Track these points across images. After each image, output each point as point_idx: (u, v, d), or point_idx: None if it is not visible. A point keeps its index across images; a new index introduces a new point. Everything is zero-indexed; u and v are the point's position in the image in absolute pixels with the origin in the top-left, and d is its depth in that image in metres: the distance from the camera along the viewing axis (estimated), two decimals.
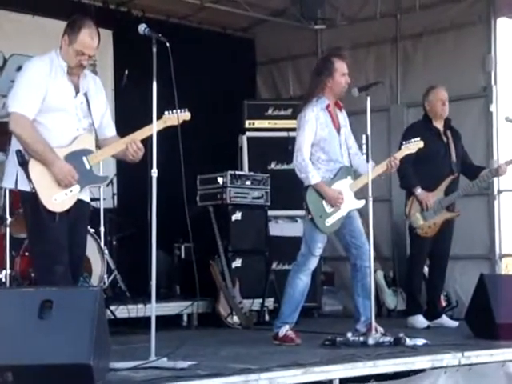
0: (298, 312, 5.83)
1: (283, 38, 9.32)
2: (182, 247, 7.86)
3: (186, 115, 4.78)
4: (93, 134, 4.76)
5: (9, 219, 6.45)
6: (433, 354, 5.00)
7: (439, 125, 7.05)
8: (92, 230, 6.93)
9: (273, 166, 8.36)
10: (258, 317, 7.51)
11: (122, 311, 6.72)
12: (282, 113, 8.46)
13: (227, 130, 8.62)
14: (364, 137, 5.62)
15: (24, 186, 4.55)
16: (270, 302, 7.69)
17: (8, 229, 6.43)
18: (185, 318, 7.32)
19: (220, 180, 7.82)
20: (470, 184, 7.01)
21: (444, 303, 7.71)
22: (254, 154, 8.39)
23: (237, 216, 7.79)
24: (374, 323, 5.52)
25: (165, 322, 6.28)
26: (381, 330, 5.57)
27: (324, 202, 5.73)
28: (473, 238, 7.96)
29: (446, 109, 7.02)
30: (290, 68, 9.49)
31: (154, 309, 4.60)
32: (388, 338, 5.43)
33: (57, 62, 4.65)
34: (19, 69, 4.85)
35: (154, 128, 4.62)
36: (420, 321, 6.88)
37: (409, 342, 5.40)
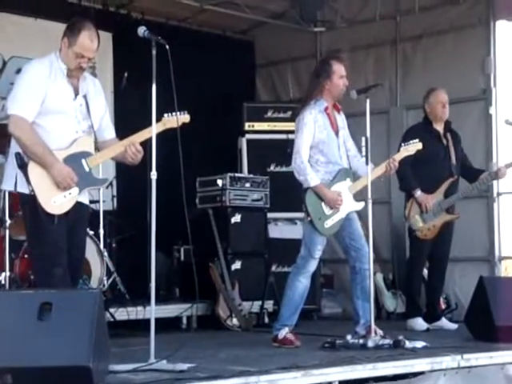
0: (298, 314, 5.84)
1: (283, 40, 9.32)
2: (182, 249, 7.86)
3: (185, 117, 4.78)
4: (92, 136, 4.76)
5: (8, 221, 6.44)
6: (432, 356, 5.00)
7: (439, 127, 7.05)
8: (91, 233, 6.93)
9: (272, 168, 8.36)
10: (257, 319, 7.51)
11: (121, 313, 6.72)
12: (282, 115, 8.46)
13: (227, 133, 8.62)
14: (363, 139, 5.62)
15: (23, 189, 4.55)
16: (269, 305, 7.69)
17: (7, 231, 6.43)
18: (184, 320, 7.32)
19: (219, 182, 7.82)
20: (470, 186, 7.01)
21: (443, 306, 7.70)
22: (254, 156, 8.39)
23: (236, 218, 7.79)
24: (373, 326, 5.52)
25: (164, 325, 6.28)
26: (380, 332, 5.56)
27: (323, 204, 5.73)
28: (472, 240, 7.96)
29: (446, 111, 7.03)
30: (289, 70, 9.49)
31: (153, 311, 4.60)
32: (387, 341, 5.43)
33: (56, 64, 4.65)
34: (19, 71, 4.85)
35: (153, 130, 4.62)
36: (419, 323, 6.88)
37: (408, 344, 5.40)
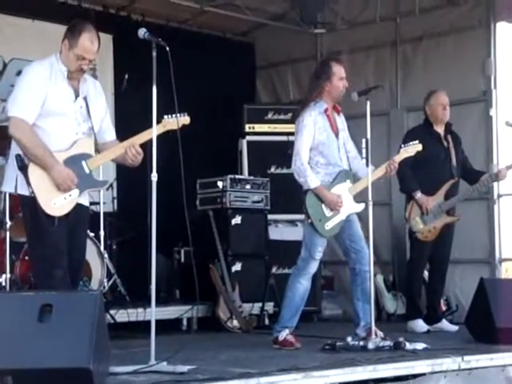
0: (298, 316, 5.83)
1: (283, 42, 9.33)
2: (182, 251, 7.85)
3: (185, 119, 4.78)
4: (92, 138, 4.76)
5: (9, 223, 6.45)
6: (433, 358, 5.00)
7: (440, 129, 7.06)
8: (92, 234, 6.93)
9: (272, 169, 8.36)
10: (257, 321, 7.50)
11: (121, 315, 6.72)
12: (282, 117, 8.46)
13: (227, 134, 8.62)
14: (364, 141, 5.62)
15: (23, 191, 4.55)
16: (269, 306, 7.69)
17: (8, 233, 6.43)
18: (184, 322, 7.32)
19: (220, 184, 7.83)
20: (470, 188, 7.01)
21: (444, 307, 7.70)
22: (254, 158, 8.39)
23: (236, 220, 7.79)
24: (373, 327, 5.52)
25: (164, 326, 6.27)
26: (380, 334, 5.57)
27: (323, 205, 5.73)
28: (473, 242, 7.96)
29: (446, 113, 7.03)
30: (289, 72, 9.49)
31: (153, 313, 4.60)
32: (388, 343, 5.43)
33: (57, 66, 4.66)
34: (19, 73, 4.86)
35: (153, 132, 4.62)
36: (420, 325, 6.88)
37: (409, 346, 5.40)
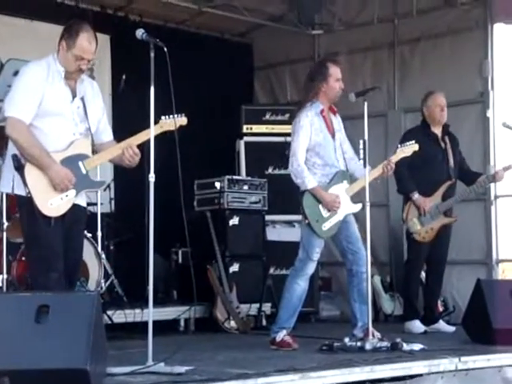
0: (296, 317, 5.83)
1: (281, 43, 9.33)
2: (180, 252, 7.85)
3: (182, 120, 4.78)
4: (89, 138, 4.76)
5: (5, 224, 6.44)
6: (430, 359, 5.01)
7: (437, 130, 7.06)
8: (89, 235, 6.92)
9: (270, 170, 8.36)
10: (255, 322, 7.50)
11: (119, 316, 6.72)
12: (280, 118, 8.46)
13: (225, 135, 8.62)
14: (361, 142, 5.63)
15: (20, 191, 4.55)
16: (267, 307, 7.69)
17: (5, 233, 6.43)
18: (182, 322, 7.32)
19: (217, 185, 7.83)
20: (467, 189, 7.02)
21: (441, 308, 7.71)
22: (252, 158, 8.40)
23: (234, 221, 7.79)
24: (371, 328, 5.53)
25: (162, 327, 6.28)
26: (378, 335, 5.57)
27: (321, 206, 5.73)
28: (470, 243, 7.96)
29: (444, 114, 7.03)
30: (287, 73, 9.49)
31: (151, 314, 4.60)
32: (385, 343, 5.43)
33: (54, 66, 4.65)
34: (16, 73, 4.86)
35: (151, 133, 4.62)
36: (417, 326, 6.88)
37: (406, 347, 5.41)
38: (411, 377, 4.82)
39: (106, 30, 8.08)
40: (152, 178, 4.57)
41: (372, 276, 7.36)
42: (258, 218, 7.99)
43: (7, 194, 5.89)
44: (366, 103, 5.66)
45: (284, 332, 5.72)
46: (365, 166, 5.67)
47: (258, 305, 7.58)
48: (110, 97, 8.15)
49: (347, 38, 8.99)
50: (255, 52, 9.80)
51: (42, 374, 3.79)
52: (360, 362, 4.75)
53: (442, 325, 7.07)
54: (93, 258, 6.89)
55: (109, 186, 7.71)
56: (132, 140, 4.72)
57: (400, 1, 8.68)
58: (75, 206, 4.66)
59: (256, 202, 7.99)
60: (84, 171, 4.66)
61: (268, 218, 8.11)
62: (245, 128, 8.47)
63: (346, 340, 5.46)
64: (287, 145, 5.99)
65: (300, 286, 5.78)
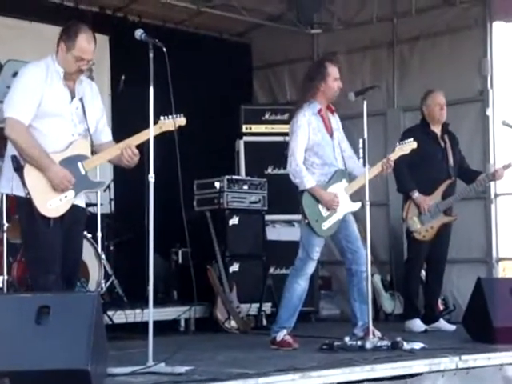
0: (296, 317, 5.83)
1: (280, 42, 9.33)
2: (180, 252, 7.85)
3: (181, 120, 4.78)
4: (88, 139, 4.76)
5: (6, 225, 6.44)
6: (430, 357, 5.00)
7: (437, 129, 7.06)
8: (89, 236, 6.93)
9: (270, 170, 8.36)
10: (255, 321, 7.50)
11: (119, 316, 6.72)
12: (279, 117, 8.46)
13: (224, 135, 8.62)
14: (361, 141, 5.63)
15: (19, 192, 4.55)
16: (267, 307, 7.69)
17: (5, 234, 6.43)
18: (182, 322, 7.32)
19: (217, 185, 7.83)
20: (467, 188, 7.02)
21: (441, 307, 7.71)
22: (251, 158, 8.39)
23: (234, 221, 7.79)
24: (371, 327, 5.53)
25: (162, 327, 6.28)
26: (378, 334, 5.57)
27: (320, 205, 5.73)
28: (470, 241, 7.97)
29: (443, 113, 7.03)
30: (286, 72, 9.49)
31: (151, 314, 4.60)
32: (385, 342, 5.43)
33: (53, 67, 4.65)
34: (15, 74, 4.85)
35: (150, 133, 4.62)
36: (417, 325, 6.88)
37: (406, 345, 5.41)
38: (412, 376, 4.82)
39: (105, 30, 8.09)
40: (152, 178, 4.57)
41: (372, 275, 7.36)
42: (258, 218, 7.99)
43: (7, 195, 5.89)
44: (365, 102, 5.66)
45: (284, 331, 5.72)
46: (364, 165, 5.67)
47: (258, 304, 7.58)
48: (109, 97, 8.16)
49: (346, 38, 8.99)
50: (254, 52, 9.80)
51: (43, 374, 3.79)
52: (360, 361, 4.75)
53: (442, 323, 7.07)
54: (93, 259, 6.89)
55: (108, 186, 7.72)
56: (131, 140, 4.72)
57: (399, 0, 8.68)
58: (74, 207, 4.66)
59: (256, 202, 7.99)
60: (83, 172, 4.66)
61: (268, 217, 8.11)
62: (244, 128, 8.47)
63: (347, 339, 5.46)
64: (286, 144, 5.99)
65: (300, 286, 5.78)
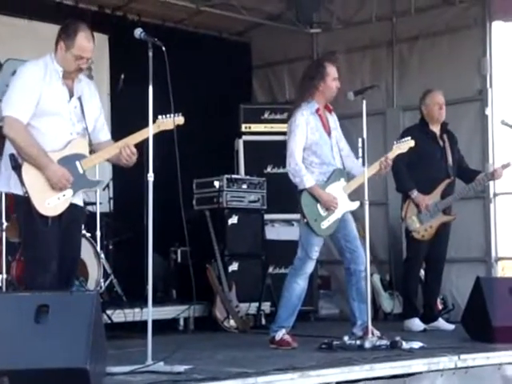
0: (295, 316, 5.84)
1: (279, 41, 9.33)
2: (179, 251, 7.85)
3: (179, 119, 4.77)
4: (86, 138, 4.76)
5: (5, 224, 6.44)
6: (429, 357, 5.00)
7: (435, 128, 7.07)
8: (88, 235, 6.93)
9: (269, 169, 8.36)
10: (254, 321, 7.50)
11: (118, 315, 6.72)
12: (278, 116, 8.46)
13: (223, 134, 8.62)
14: (360, 140, 5.63)
15: (17, 190, 4.55)
16: (266, 306, 7.69)
17: (4, 233, 6.43)
18: (181, 322, 7.32)
19: (216, 184, 7.83)
20: (466, 187, 7.02)
21: (440, 306, 7.71)
22: (251, 157, 8.39)
23: (233, 220, 7.79)
24: (370, 326, 5.53)
25: (161, 326, 6.28)
26: (377, 333, 5.57)
27: (319, 205, 5.73)
28: (469, 241, 7.97)
29: (442, 113, 7.04)
30: (285, 72, 9.49)
31: (150, 313, 4.60)
32: (384, 342, 5.43)
33: (51, 66, 4.65)
34: (15, 73, 4.85)
35: (150, 132, 4.62)
36: (416, 324, 6.89)
37: (405, 345, 5.41)
38: (410, 375, 4.82)
39: (104, 29, 8.09)
40: (151, 177, 4.57)
41: (371, 274, 7.36)
42: (257, 217, 7.99)
43: (6, 194, 5.89)
44: (364, 101, 5.67)
45: (283, 331, 5.73)
46: (364, 165, 5.67)
47: (257, 304, 7.58)
48: (108, 96, 8.16)
49: (345, 37, 8.99)
50: (253, 51, 9.80)
51: (42, 373, 3.79)
52: (359, 361, 4.75)
53: (441, 323, 7.07)
54: (92, 258, 6.90)
55: (108, 185, 7.72)
56: (129, 139, 4.72)
57: None
58: (72, 206, 4.65)
59: (255, 201, 7.99)
60: (81, 171, 4.66)
61: (267, 216, 8.11)
62: (243, 127, 8.47)
63: (346, 338, 5.46)
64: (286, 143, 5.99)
65: (299, 285, 5.78)
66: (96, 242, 7.12)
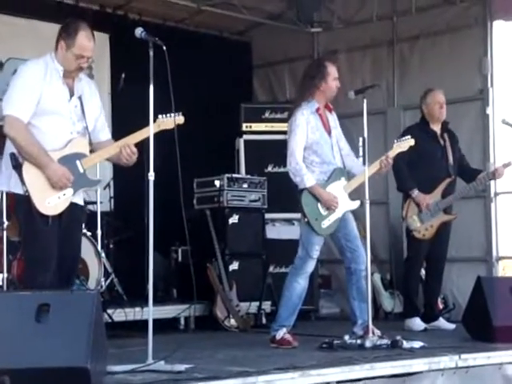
0: (296, 315, 5.84)
1: (280, 41, 9.33)
2: (179, 250, 7.85)
3: (179, 119, 4.77)
4: (86, 137, 4.76)
5: (6, 223, 6.44)
6: (430, 356, 5.00)
7: (436, 128, 7.07)
8: (89, 234, 6.93)
9: (270, 168, 8.36)
10: (255, 320, 7.50)
11: (119, 314, 6.72)
12: (279, 116, 8.45)
13: (224, 133, 8.62)
14: (361, 139, 5.63)
15: (18, 189, 4.55)
16: (267, 305, 7.69)
17: (5, 232, 6.43)
18: (182, 321, 7.32)
19: (217, 183, 7.83)
20: (467, 186, 7.02)
21: (441, 306, 7.71)
22: (251, 156, 8.40)
23: (234, 219, 7.79)
24: (371, 326, 5.53)
25: (162, 326, 6.28)
26: (378, 332, 5.57)
27: (319, 204, 5.73)
28: (470, 240, 7.97)
29: (443, 112, 7.04)
30: (286, 71, 9.49)
31: (151, 312, 4.60)
32: (385, 341, 5.43)
33: (52, 65, 4.65)
34: (15, 72, 4.85)
35: (150, 131, 4.62)
36: (417, 323, 6.89)
37: (406, 344, 5.41)
38: (411, 374, 4.82)
39: (105, 28, 8.09)
40: (152, 176, 4.57)
41: (372, 274, 7.37)
42: (258, 216, 7.99)
43: (7, 193, 5.89)
44: (365, 101, 5.67)
45: (284, 330, 5.73)
46: (364, 164, 5.67)
47: (257, 303, 7.58)
48: (109, 95, 8.16)
49: (346, 36, 8.99)
50: (254, 50, 9.80)
51: (43, 372, 3.79)
52: (360, 360, 4.75)
53: (442, 322, 7.07)
54: (93, 257, 6.90)
55: (108, 184, 7.72)
56: (129, 139, 4.72)
57: None
58: (72, 205, 4.66)
59: (255, 200, 7.99)
60: (81, 170, 4.66)
61: (268, 216, 8.11)
62: (244, 126, 8.47)
63: (346, 338, 5.46)
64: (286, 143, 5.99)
65: (300, 285, 5.79)
66: (97, 241, 7.12)
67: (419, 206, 6.89)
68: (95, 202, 7.30)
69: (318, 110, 5.82)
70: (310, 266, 5.81)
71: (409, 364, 4.84)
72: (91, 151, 4.79)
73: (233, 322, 7.24)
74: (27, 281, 4.71)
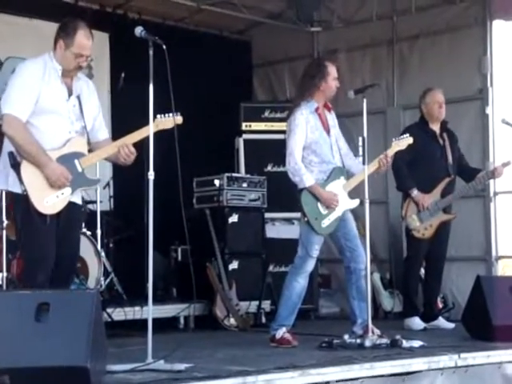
0: (295, 314, 5.84)
1: (280, 40, 9.33)
2: (179, 250, 7.85)
3: (178, 119, 4.76)
4: (85, 136, 4.76)
5: (5, 222, 6.44)
6: (429, 355, 5.00)
7: (435, 127, 7.07)
8: (89, 233, 6.93)
9: (269, 168, 8.36)
10: (254, 319, 7.51)
11: (118, 314, 6.72)
12: (279, 115, 8.45)
13: (224, 133, 8.62)
14: (360, 139, 5.64)
15: (16, 188, 4.55)
16: (266, 305, 7.70)
17: (4, 231, 6.43)
18: (181, 320, 7.32)
19: (217, 182, 7.83)
20: (467, 186, 7.02)
21: (440, 305, 7.72)
22: (251, 156, 8.39)
23: (233, 218, 7.79)
24: (370, 325, 5.53)
25: (161, 325, 6.28)
26: (377, 332, 5.57)
27: (319, 203, 5.74)
28: (469, 239, 7.97)
29: (442, 111, 7.04)
30: (286, 70, 9.49)
31: (150, 311, 4.60)
32: (385, 340, 5.43)
33: (50, 64, 4.65)
34: (14, 71, 4.85)
35: (150, 130, 4.62)
36: (416, 323, 6.89)
37: (405, 343, 5.41)
38: (411, 373, 4.82)
39: (104, 27, 8.09)
40: (151, 175, 4.57)
41: (371, 273, 7.36)
42: (258, 216, 7.99)
43: (6, 192, 5.89)
44: (365, 100, 5.67)
45: (283, 329, 5.73)
46: (364, 163, 5.67)
47: (257, 302, 7.59)
48: (108, 94, 8.16)
49: (346, 35, 9.00)
50: (254, 49, 9.80)
51: (42, 371, 3.79)
52: (359, 359, 4.75)
53: (441, 321, 7.08)
54: (92, 256, 6.90)
55: (108, 183, 7.72)
56: (128, 139, 4.72)
57: None
58: (71, 204, 4.66)
59: (255, 200, 7.99)
60: (80, 169, 4.66)
61: (267, 215, 8.12)
62: (244, 125, 8.47)
63: (346, 337, 5.46)
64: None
65: (299, 284, 5.79)
66: (96, 240, 7.12)
67: (419, 206, 6.89)
68: (95, 202, 7.30)
69: (317, 109, 5.82)
70: (310, 265, 5.81)
71: (408, 363, 4.84)
72: (89, 150, 4.79)
73: (232, 321, 7.24)
74: (26, 280, 4.71)
